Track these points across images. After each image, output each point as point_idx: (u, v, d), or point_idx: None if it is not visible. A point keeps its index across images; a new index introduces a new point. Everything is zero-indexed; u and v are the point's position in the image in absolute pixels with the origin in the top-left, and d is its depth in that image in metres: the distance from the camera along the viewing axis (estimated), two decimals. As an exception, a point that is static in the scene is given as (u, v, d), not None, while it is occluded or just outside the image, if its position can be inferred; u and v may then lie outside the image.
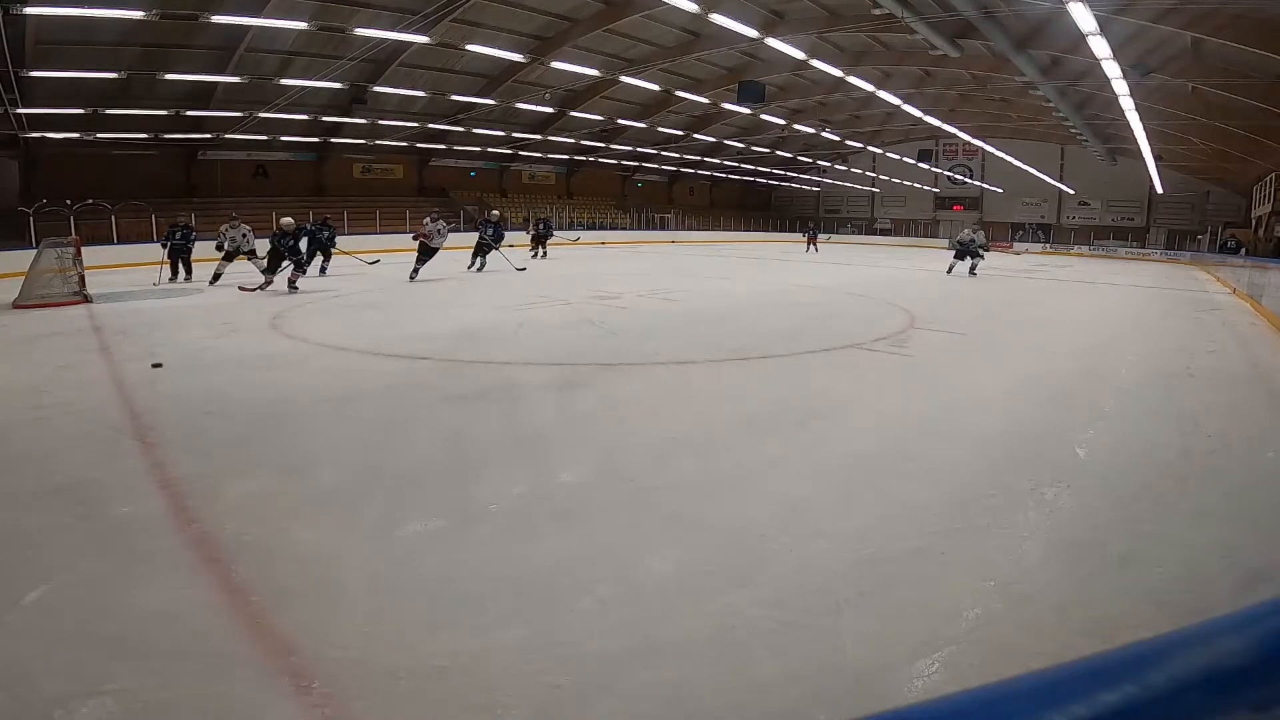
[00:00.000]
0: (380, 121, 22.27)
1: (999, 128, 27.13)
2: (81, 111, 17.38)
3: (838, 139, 28.49)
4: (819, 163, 35.29)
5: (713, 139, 29.08)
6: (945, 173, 36.58)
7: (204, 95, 18.93)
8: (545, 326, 7.55)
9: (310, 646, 1.93)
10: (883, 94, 19.51)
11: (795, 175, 38.92)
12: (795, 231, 35.12)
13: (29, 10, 11.79)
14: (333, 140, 23.98)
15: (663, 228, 34.26)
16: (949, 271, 15.66)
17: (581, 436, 3.97)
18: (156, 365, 4.97)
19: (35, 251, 9.31)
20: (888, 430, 4.05)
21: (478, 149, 27.69)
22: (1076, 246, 32.55)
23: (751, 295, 11.36)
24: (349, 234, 18.18)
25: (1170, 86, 16.42)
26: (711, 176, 38.63)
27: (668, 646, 1.95)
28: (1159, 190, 29.04)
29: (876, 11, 13.76)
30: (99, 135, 18.70)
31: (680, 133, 29.10)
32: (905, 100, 20.93)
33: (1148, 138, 19.34)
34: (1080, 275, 18.21)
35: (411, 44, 16.61)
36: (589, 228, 28.44)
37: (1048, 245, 33.45)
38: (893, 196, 40.31)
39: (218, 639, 1.96)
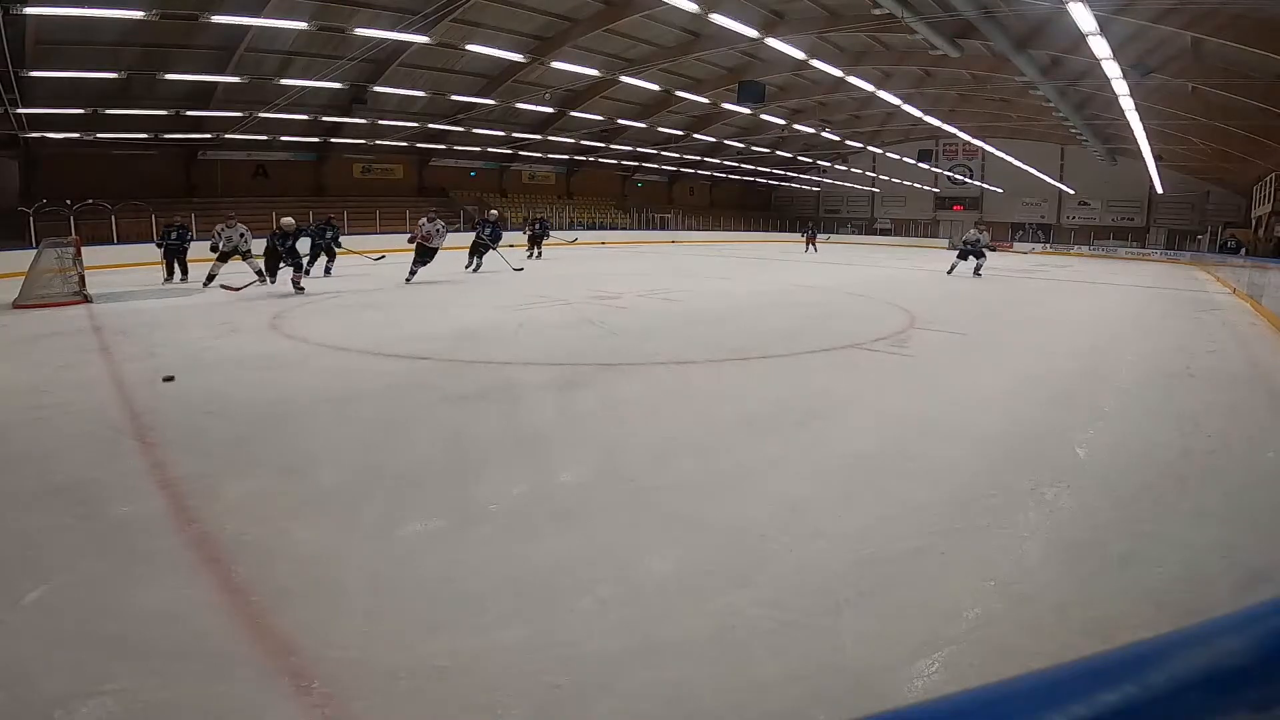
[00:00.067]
0: (380, 121, 22.26)
1: (999, 128, 27.13)
2: (81, 111, 17.38)
3: (838, 139, 28.49)
4: (819, 163, 35.28)
5: (713, 139, 29.08)
6: (945, 173, 36.58)
7: (204, 95, 18.93)
8: (545, 326, 7.55)
9: (310, 646, 1.93)
10: (883, 94, 19.50)
11: (795, 175, 38.92)
12: (795, 231, 35.15)
13: (29, 10, 11.79)
14: (333, 140, 23.98)
15: (663, 228, 34.25)
16: (950, 271, 15.66)
17: (581, 436, 3.97)
18: (168, 379, 4.88)
19: (35, 251, 9.31)
20: (888, 430, 4.05)
21: (478, 149, 27.68)
22: (1076, 246, 32.58)
23: (751, 295, 11.36)
24: (349, 234, 18.12)
25: (1170, 86, 16.43)
26: (711, 176, 38.63)
27: (668, 646, 1.95)
28: (1159, 190, 29.05)
29: (876, 11, 13.76)
30: (99, 135, 18.70)
31: (680, 133, 29.10)
32: (905, 100, 20.93)
33: (1148, 138, 19.34)
34: (1080, 275, 18.21)
35: (411, 44, 16.61)
36: (589, 228, 28.43)
37: (1048, 245, 33.47)
38: (893, 196, 40.30)
39: (218, 639, 1.96)
